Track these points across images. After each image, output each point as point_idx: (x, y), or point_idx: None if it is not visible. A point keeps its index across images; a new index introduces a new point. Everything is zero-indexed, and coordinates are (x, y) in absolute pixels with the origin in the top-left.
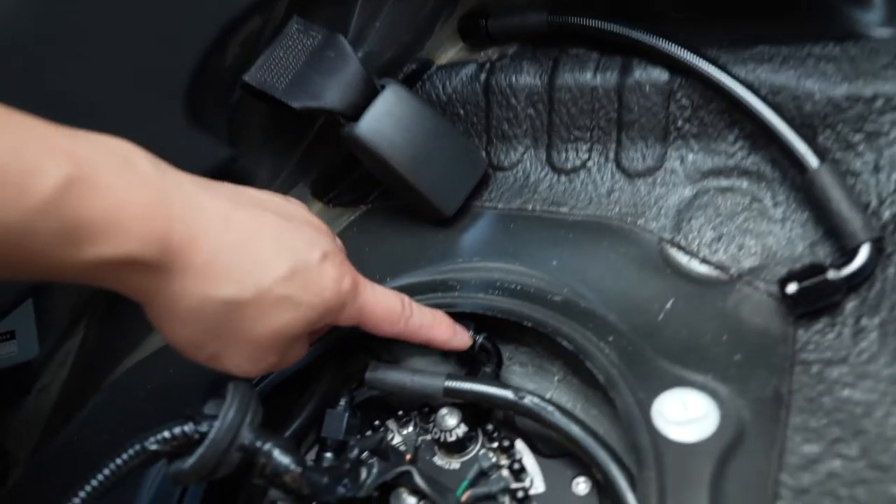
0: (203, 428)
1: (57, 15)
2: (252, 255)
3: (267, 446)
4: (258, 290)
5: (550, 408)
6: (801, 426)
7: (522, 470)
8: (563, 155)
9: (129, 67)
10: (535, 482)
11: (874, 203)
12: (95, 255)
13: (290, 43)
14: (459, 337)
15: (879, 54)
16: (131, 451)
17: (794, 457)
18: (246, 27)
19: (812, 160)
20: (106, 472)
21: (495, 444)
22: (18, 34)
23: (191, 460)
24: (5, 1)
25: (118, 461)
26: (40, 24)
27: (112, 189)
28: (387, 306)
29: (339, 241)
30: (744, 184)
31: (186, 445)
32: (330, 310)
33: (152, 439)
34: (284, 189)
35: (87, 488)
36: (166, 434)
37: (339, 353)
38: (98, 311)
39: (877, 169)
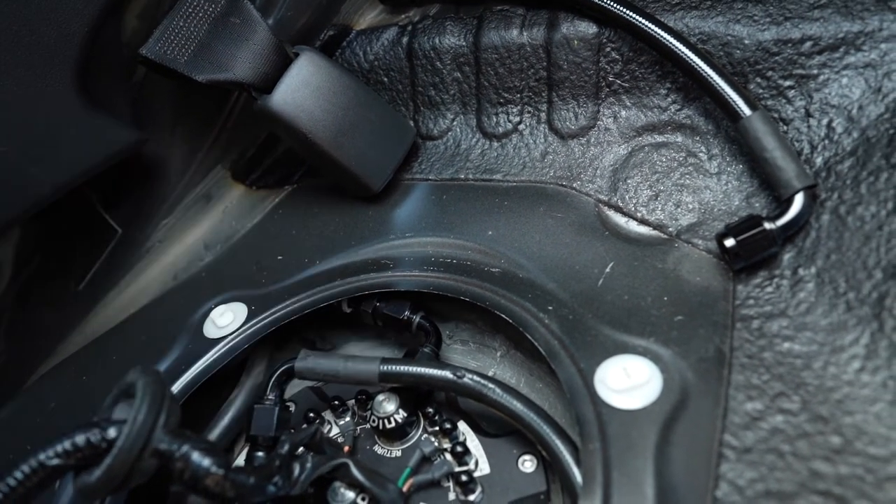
0: (111, 434)
1: None
2: None
3: (184, 449)
4: None
5: (491, 385)
6: (743, 384)
7: (466, 452)
8: (494, 119)
9: (7, 44)
10: (480, 463)
11: (806, 150)
12: None
13: (190, 10)
14: None
15: None
16: (26, 469)
17: (737, 416)
18: None
19: (744, 108)
20: None
21: (437, 428)
22: None
23: (97, 472)
24: None
25: (10, 482)
26: None
27: None
28: None
29: None
30: (678, 138)
31: (94, 456)
32: None
33: (52, 452)
34: (202, 173)
35: None
36: (67, 445)
37: (269, 343)
38: (4, 321)
39: (808, 115)
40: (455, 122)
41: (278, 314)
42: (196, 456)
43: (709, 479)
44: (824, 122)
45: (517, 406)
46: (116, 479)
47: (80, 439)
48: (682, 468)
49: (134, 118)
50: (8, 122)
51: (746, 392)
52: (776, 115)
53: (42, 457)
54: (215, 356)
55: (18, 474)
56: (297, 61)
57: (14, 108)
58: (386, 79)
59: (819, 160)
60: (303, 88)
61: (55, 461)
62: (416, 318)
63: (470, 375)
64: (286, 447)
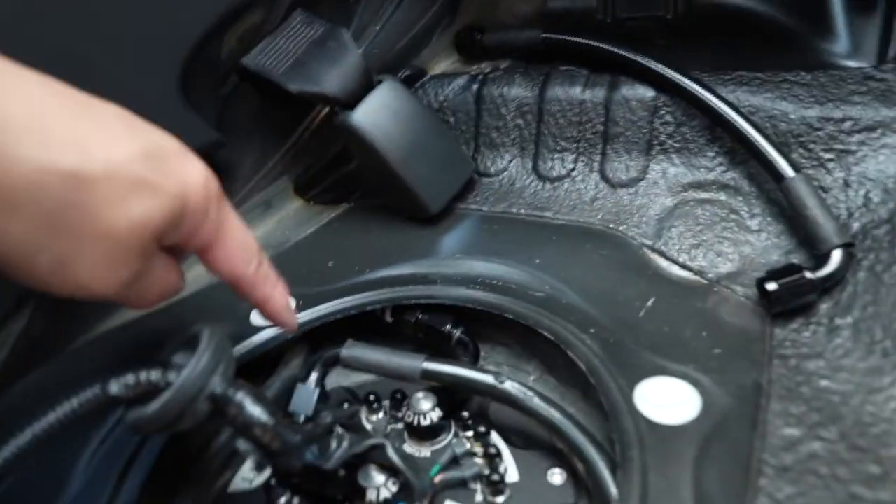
0: (171, 377)
1: None
2: (94, 124)
3: (238, 396)
4: (108, 164)
5: (530, 393)
6: (781, 412)
7: (497, 456)
8: (549, 164)
9: (133, 37)
10: (509, 471)
11: (844, 216)
12: None
13: (292, 32)
14: (291, 313)
15: (847, 82)
16: (90, 394)
17: (776, 438)
18: (246, 21)
19: (788, 170)
20: (60, 412)
21: (469, 433)
22: None
23: (154, 405)
24: None
25: (74, 402)
26: None
27: None
28: (245, 240)
29: None
30: (722, 196)
31: (151, 394)
32: (194, 207)
33: (114, 383)
34: (267, 181)
35: (36, 428)
36: (130, 379)
37: (308, 341)
38: (49, 296)
39: (846, 185)
40: (512, 163)
41: (323, 312)
42: (249, 403)
43: (746, 492)
44: (861, 192)
45: (555, 415)
46: (170, 414)
47: (143, 375)
48: (720, 480)
49: (217, 123)
50: (119, 104)
51: (784, 419)
52: (817, 183)
53: (106, 385)
54: (259, 341)
55: (82, 396)
56: (381, 86)
57: (126, 93)
58: (452, 119)
59: (856, 225)
60: (382, 110)
61: (116, 389)
62: (457, 333)
63: (510, 382)
64: (328, 419)
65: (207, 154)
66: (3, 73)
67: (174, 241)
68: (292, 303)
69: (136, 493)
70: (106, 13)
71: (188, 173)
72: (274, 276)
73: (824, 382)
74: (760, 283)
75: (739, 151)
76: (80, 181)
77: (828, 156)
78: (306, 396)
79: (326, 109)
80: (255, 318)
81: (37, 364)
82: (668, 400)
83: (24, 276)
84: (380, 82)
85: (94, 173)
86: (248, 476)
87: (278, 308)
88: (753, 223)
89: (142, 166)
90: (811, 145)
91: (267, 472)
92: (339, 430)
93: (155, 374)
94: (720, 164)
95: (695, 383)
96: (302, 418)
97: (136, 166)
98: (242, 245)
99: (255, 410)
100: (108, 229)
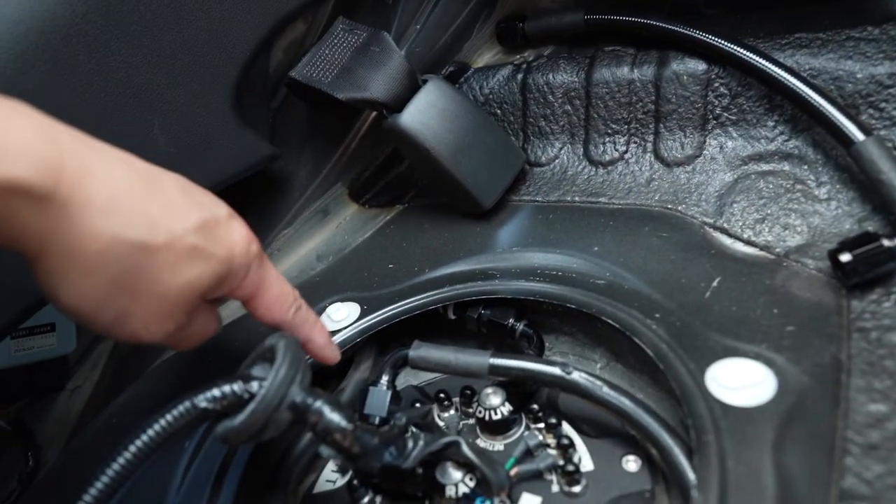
0: (252, 388)
1: (125, 4)
2: (160, 200)
3: (318, 404)
4: (170, 236)
5: (599, 382)
6: (864, 388)
7: (571, 446)
8: (601, 148)
9: (186, 62)
10: (584, 460)
11: None
12: None
13: (335, 41)
14: (332, 347)
15: None
16: (181, 409)
17: (861, 416)
18: (290, 33)
19: (857, 133)
20: (157, 427)
21: (541, 425)
22: (88, 19)
23: (241, 416)
24: None
25: (168, 418)
26: (109, 12)
27: None
28: (283, 289)
29: None
30: (785, 167)
31: (235, 406)
32: (238, 268)
33: (202, 397)
34: (322, 189)
35: (138, 443)
36: (216, 392)
37: (376, 342)
38: None
39: None
40: (562, 151)
41: (388, 314)
42: (328, 410)
43: (832, 472)
44: None
45: (626, 403)
46: (257, 424)
47: (226, 388)
48: (802, 461)
49: (271, 136)
50: (178, 126)
51: (869, 395)
52: (890, 144)
53: (195, 399)
54: None
55: (175, 412)
56: (426, 86)
57: (183, 116)
58: (499, 111)
59: None
60: (429, 110)
61: (204, 404)
62: (520, 326)
63: (578, 372)
64: (403, 420)
65: (265, 166)
66: (90, 151)
67: (218, 296)
68: (357, 310)
69: (232, 502)
70: (159, 43)
71: (234, 238)
72: (312, 318)
73: None
74: (833, 255)
75: (802, 118)
76: (144, 250)
77: None
78: (380, 399)
79: (374, 114)
80: (326, 323)
81: (128, 382)
82: (741, 382)
83: (89, 325)
84: (424, 82)
85: (157, 243)
86: (332, 478)
87: (318, 346)
88: (821, 192)
89: (196, 236)
90: (882, 105)
91: (349, 474)
92: (413, 429)
93: (238, 387)
94: (781, 134)
95: (768, 363)
96: (377, 420)
97: (191, 237)
98: (280, 295)
99: (334, 417)
100: (162, 291)
